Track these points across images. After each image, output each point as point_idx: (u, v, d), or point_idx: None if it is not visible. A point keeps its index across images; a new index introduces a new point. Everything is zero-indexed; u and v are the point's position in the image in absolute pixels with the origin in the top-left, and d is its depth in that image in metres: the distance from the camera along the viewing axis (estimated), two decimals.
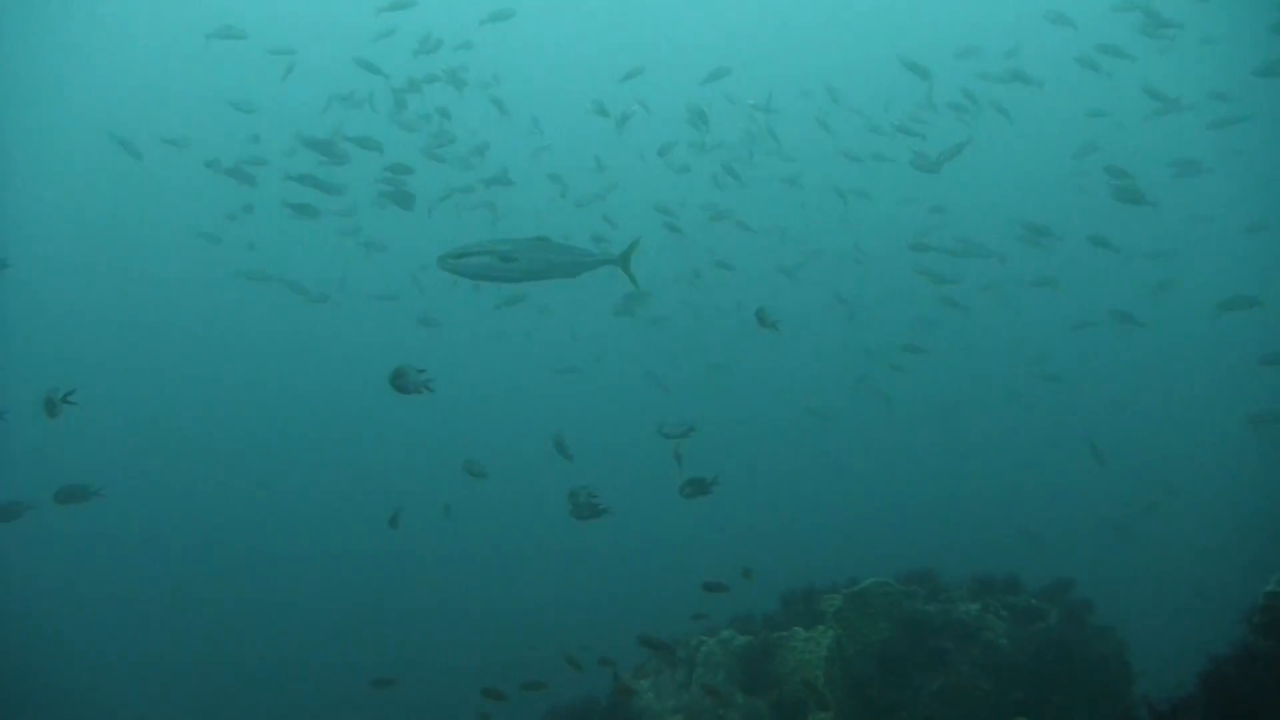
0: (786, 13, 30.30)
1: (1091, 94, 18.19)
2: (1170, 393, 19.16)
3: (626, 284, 7.84)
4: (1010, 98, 15.52)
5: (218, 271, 22.69)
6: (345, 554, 16.44)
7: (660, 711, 7.87)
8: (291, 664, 13.83)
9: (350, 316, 16.14)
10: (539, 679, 7.88)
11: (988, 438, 19.24)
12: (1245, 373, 16.33)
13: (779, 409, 18.52)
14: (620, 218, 14.24)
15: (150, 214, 26.25)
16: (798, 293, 16.63)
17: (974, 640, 7.99)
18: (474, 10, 14.44)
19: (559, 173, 14.89)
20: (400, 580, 15.38)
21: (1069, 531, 14.86)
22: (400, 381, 6.03)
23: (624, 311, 14.79)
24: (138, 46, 29.78)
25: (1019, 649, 7.92)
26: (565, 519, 7.62)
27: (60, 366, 21.13)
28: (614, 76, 15.06)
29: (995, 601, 8.48)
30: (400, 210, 11.81)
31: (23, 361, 21.21)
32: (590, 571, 15.01)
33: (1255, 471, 15.31)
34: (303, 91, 14.48)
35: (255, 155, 13.94)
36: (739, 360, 18.61)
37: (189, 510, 18.17)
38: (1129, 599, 10.16)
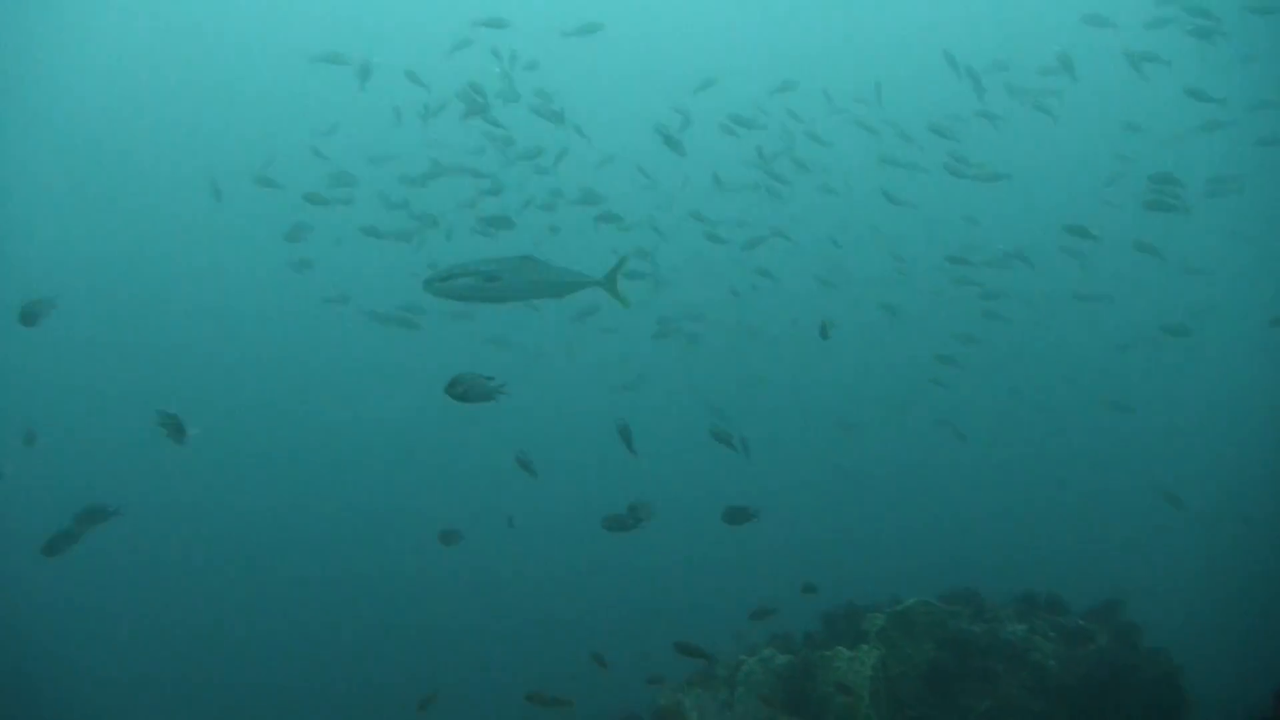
0: (808, 28, 30.60)
1: (1128, 107, 18.05)
2: (1215, 411, 18.83)
3: (669, 304, 7.87)
4: (1045, 110, 15.36)
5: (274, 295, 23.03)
6: (389, 572, 16.42)
7: None
8: (336, 683, 13.80)
9: (414, 337, 15.97)
10: (577, 694, 7.79)
11: (1028, 456, 18.99)
12: None
13: (817, 424, 18.30)
14: (669, 229, 14.18)
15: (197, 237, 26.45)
16: (838, 305, 16.51)
17: (1022, 661, 7.85)
18: (557, 23, 14.36)
19: (619, 185, 14.72)
20: (436, 595, 15.35)
21: (1112, 550, 14.63)
22: (459, 389, 5.54)
23: (663, 334, 14.75)
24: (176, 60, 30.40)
25: (1068, 671, 7.75)
26: (606, 534, 7.58)
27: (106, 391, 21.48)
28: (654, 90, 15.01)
29: (1042, 622, 8.33)
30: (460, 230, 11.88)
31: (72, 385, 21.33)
32: (630, 587, 14.92)
33: None
34: (368, 105, 14.27)
35: (332, 174, 13.43)
36: (782, 375, 18.48)
37: (226, 529, 18.17)
38: (1178, 620, 9.92)
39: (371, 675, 13.80)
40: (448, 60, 13.37)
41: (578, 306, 13.17)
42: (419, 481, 19.52)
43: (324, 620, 15.71)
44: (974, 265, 13.45)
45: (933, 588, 8.81)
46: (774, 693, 7.80)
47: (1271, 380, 18.42)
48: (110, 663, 13.96)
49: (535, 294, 7.05)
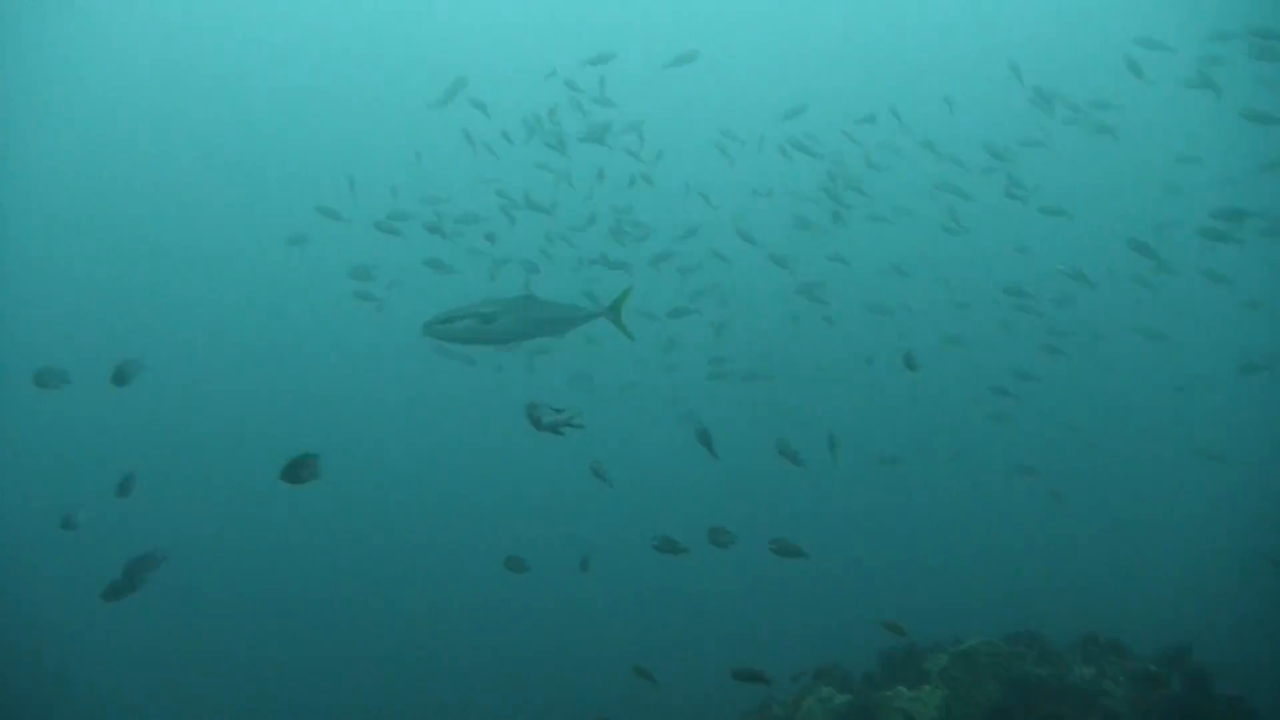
0: (859, 53, 30.89)
1: (1184, 140, 17.78)
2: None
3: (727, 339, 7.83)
4: (1099, 142, 15.19)
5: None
6: (451, 597, 16.51)
7: None
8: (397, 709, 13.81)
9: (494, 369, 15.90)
10: None
11: (1085, 495, 18.55)
12: None
13: (872, 458, 18.01)
14: (733, 253, 14.13)
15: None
16: (894, 337, 16.33)
17: (1091, 706, 7.60)
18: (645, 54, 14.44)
19: (692, 214, 14.66)
20: (498, 620, 15.39)
21: (1176, 592, 14.20)
22: (534, 413, 5.62)
23: (718, 375, 14.71)
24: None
25: (1140, 716, 7.50)
26: (664, 565, 7.54)
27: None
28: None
29: (1110, 665, 8.08)
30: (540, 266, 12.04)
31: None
32: (687, 615, 14.81)
33: None
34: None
35: (399, 209, 13.20)
36: (842, 409, 18.29)
37: (291, 559, 18.30)
38: (1250, 666, 9.56)
39: (423, 700, 13.79)
40: (538, 93, 13.21)
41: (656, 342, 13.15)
42: (489, 509, 19.66)
43: (385, 644, 15.77)
44: (1031, 297, 13.21)
45: (988, 627, 8.61)
46: None
47: None
48: (177, 694, 14.09)
49: (536, 333, 7.08)
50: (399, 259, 13.44)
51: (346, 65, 32.59)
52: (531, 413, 5.65)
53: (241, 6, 31.70)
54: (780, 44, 31.68)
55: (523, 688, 13.44)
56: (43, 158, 29.24)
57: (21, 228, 28.16)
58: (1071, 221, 13.26)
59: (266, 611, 16.63)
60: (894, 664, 8.47)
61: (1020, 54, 14.50)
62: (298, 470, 5.57)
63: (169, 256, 28.82)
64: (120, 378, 7.53)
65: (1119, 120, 15.36)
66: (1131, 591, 14.49)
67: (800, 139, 13.15)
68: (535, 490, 19.57)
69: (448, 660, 14.96)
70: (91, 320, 25.59)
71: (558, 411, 5.69)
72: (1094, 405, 19.49)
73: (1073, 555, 16.84)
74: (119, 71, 30.29)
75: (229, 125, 31.56)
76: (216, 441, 22.12)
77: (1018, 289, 13.08)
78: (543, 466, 17.94)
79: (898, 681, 8.00)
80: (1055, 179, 16.05)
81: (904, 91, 15.70)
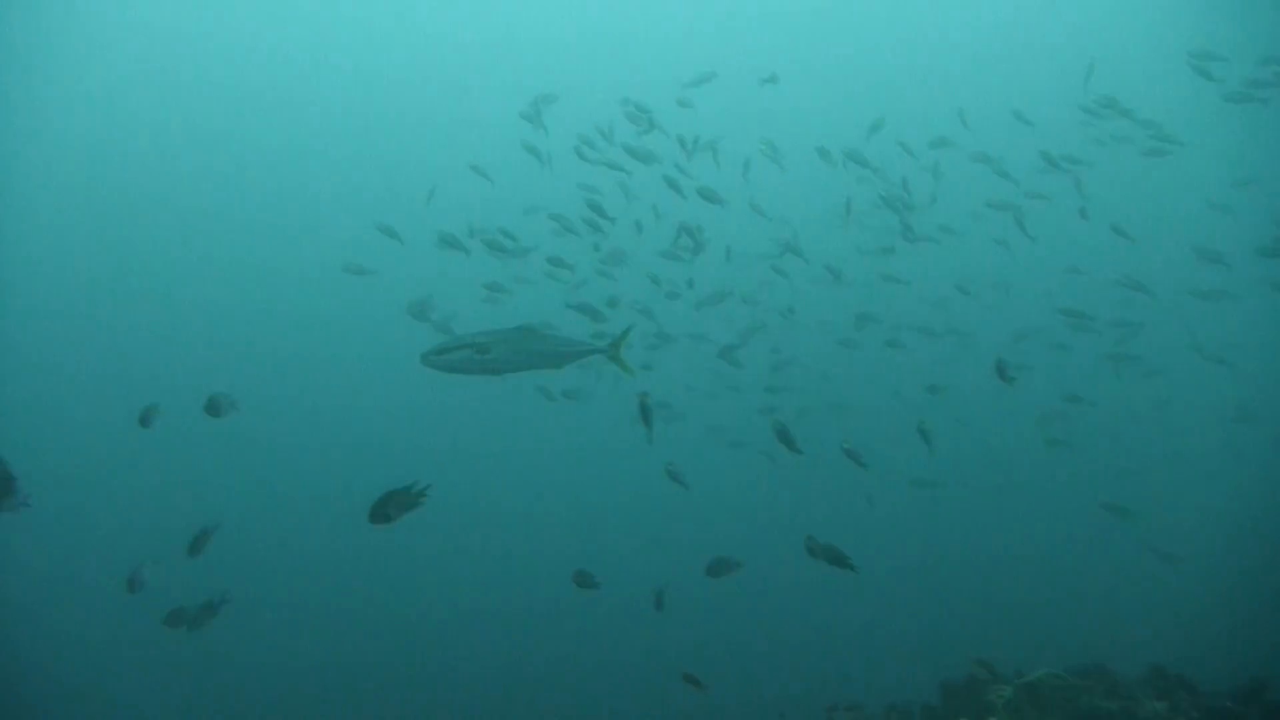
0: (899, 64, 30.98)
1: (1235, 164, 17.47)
2: None
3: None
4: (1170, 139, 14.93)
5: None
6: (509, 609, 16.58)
7: None
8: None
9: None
10: None
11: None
12: None
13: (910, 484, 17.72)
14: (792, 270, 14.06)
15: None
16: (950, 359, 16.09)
17: None
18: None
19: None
20: (544, 627, 15.40)
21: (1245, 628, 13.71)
22: (646, 402, 6.66)
23: (768, 409, 14.63)
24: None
25: None
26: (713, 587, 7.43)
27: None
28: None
29: (1183, 701, 7.78)
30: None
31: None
32: (734, 638, 14.64)
33: None
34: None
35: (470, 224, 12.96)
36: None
37: (356, 567, 18.45)
38: None
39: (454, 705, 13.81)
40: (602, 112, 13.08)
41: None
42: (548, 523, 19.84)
43: (447, 655, 15.84)
44: (1087, 318, 12.94)
45: (1049, 658, 8.38)
46: None
47: None
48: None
49: (532, 365, 7.10)
50: (462, 282, 13.37)
51: (406, 84, 33.29)
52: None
53: (291, 22, 32.50)
54: (808, 61, 31.74)
55: (571, 694, 13.38)
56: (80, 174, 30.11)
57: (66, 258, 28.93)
58: (1126, 242, 13.01)
59: (331, 622, 16.80)
60: (954, 696, 8.24)
61: (1068, 74, 14.37)
62: (386, 507, 5.41)
63: (238, 276, 29.40)
64: (213, 409, 7.59)
65: (1172, 140, 15.09)
66: (1196, 625, 14.06)
67: (861, 154, 13.01)
68: (589, 507, 19.67)
69: (495, 667, 15.01)
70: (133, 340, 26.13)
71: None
72: (1149, 433, 19.08)
73: (1133, 587, 16.38)
74: (154, 84, 31.14)
75: (282, 143, 32.26)
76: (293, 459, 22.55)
77: (1074, 310, 12.82)
78: (598, 486, 17.93)
79: (960, 714, 7.77)
80: (1108, 198, 15.80)
81: (959, 108, 15.43)
